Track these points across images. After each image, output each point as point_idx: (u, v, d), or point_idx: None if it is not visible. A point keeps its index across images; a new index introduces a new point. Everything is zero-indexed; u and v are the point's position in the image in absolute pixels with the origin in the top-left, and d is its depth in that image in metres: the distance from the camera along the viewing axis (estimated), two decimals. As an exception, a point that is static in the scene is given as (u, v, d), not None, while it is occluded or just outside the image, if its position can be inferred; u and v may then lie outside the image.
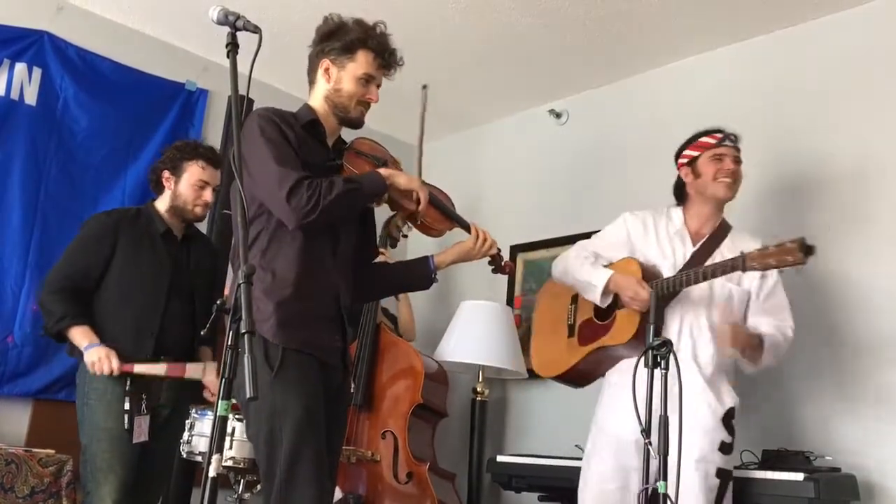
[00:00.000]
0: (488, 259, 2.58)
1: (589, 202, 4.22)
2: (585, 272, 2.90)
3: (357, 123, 2.43)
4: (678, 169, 2.99)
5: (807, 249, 2.47)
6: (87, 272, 2.95)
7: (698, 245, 2.87)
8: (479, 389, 4.07)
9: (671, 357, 2.26)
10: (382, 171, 2.34)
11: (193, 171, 3.10)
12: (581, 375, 3.00)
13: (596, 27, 3.83)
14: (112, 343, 2.85)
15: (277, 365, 2.11)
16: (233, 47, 1.91)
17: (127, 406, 2.82)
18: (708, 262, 2.77)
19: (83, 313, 2.90)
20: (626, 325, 2.81)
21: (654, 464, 2.18)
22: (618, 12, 3.69)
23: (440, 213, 2.50)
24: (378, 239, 3.85)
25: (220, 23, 1.93)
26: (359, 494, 3.68)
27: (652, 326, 2.38)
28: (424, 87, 2.55)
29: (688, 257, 2.85)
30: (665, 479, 2.21)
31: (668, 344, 2.29)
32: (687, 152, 2.94)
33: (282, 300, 2.18)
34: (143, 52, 4.14)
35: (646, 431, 2.27)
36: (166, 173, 3.11)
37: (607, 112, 4.32)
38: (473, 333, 3.97)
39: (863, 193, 3.32)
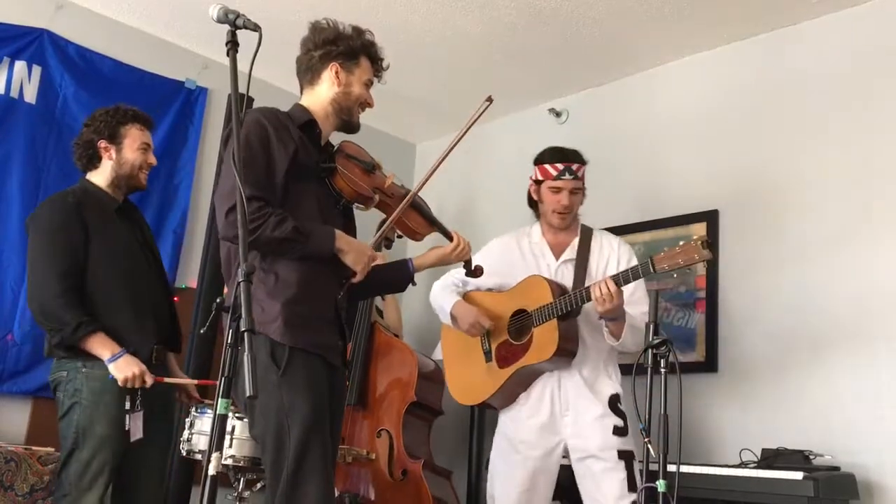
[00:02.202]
0: (462, 263, 2.66)
1: (588, 201, 4.20)
2: (441, 298, 3.14)
3: (357, 126, 2.49)
4: (530, 180, 3.11)
5: (709, 245, 2.61)
6: (77, 262, 2.72)
7: (567, 256, 3.03)
8: (478, 388, 4.07)
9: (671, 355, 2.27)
10: (339, 241, 2.28)
11: (134, 135, 2.90)
12: (504, 397, 3.01)
13: (595, 27, 3.82)
14: (126, 344, 2.70)
15: (284, 364, 2.13)
16: (233, 45, 1.91)
17: (127, 405, 2.67)
18: (590, 267, 2.99)
19: (94, 317, 2.68)
20: (546, 342, 2.87)
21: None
22: (617, 12, 3.69)
23: (424, 219, 2.57)
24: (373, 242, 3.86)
25: (219, 21, 1.93)
26: (355, 493, 3.68)
27: (653, 325, 2.38)
28: (490, 100, 2.71)
29: (553, 267, 3.02)
30: (664, 478, 2.22)
31: (667, 343, 2.29)
32: (536, 171, 3.08)
33: (287, 301, 2.19)
34: (142, 50, 4.14)
35: (645, 431, 2.28)
36: (103, 143, 2.86)
37: (607, 111, 4.31)
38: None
39: (864, 195, 3.32)
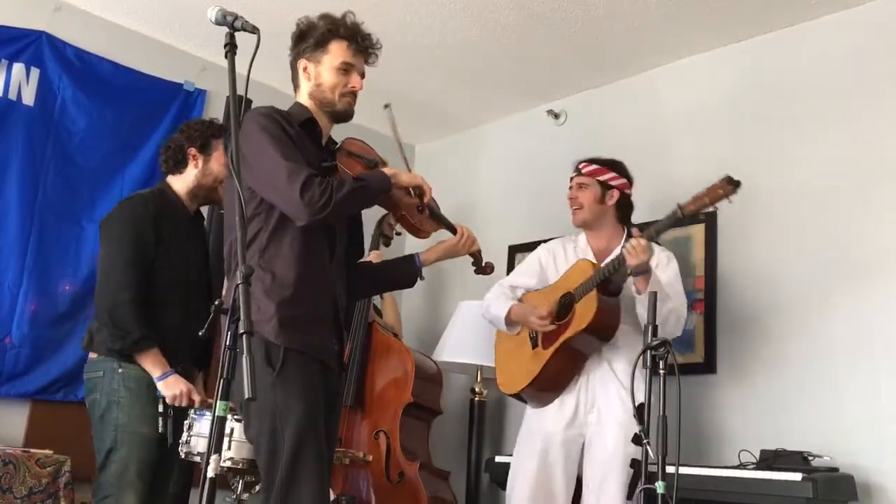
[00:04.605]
0: (472, 261, 2.62)
1: (587, 202, 4.21)
2: (494, 308, 3.16)
3: (346, 115, 2.42)
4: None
5: (734, 182, 2.70)
6: (147, 271, 2.79)
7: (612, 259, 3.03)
8: (477, 390, 4.07)
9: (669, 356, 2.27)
10: (386, 169, 2.35)
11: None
12: (550, 380, 2.96)
13: (594, 27, 3.83)
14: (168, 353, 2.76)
15: (279, 365, 2.12)
16: (231, 47, 1.91)
17: (161, 408, 2.74)
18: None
19: (155, 331, 2.75)
20: (585, 311, 2.89)
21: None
22: (615, 13, 3.69)
23: (430, 215, 2.53)
24: (371, 239, 3.85)
25: (218, 23, 1.93)
26: (351, 495, 3.68)
27: (651, 327, 2.38)
28: (387, 105, 2.52)
29: None
30: (663, 479, 2.22)
31: (666, 344, 2.29)
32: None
33: (282, 301, 2.18)
34: (141, 52, 4.14)
35: (644, 432, 2.28)
36: (193, 150, 2.93)
37: (605, 112, 4.32)
38: (472, 334, 3.97)
39: (864, 196, 3.32)
